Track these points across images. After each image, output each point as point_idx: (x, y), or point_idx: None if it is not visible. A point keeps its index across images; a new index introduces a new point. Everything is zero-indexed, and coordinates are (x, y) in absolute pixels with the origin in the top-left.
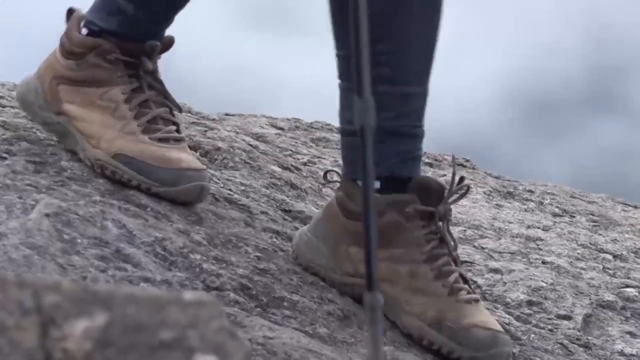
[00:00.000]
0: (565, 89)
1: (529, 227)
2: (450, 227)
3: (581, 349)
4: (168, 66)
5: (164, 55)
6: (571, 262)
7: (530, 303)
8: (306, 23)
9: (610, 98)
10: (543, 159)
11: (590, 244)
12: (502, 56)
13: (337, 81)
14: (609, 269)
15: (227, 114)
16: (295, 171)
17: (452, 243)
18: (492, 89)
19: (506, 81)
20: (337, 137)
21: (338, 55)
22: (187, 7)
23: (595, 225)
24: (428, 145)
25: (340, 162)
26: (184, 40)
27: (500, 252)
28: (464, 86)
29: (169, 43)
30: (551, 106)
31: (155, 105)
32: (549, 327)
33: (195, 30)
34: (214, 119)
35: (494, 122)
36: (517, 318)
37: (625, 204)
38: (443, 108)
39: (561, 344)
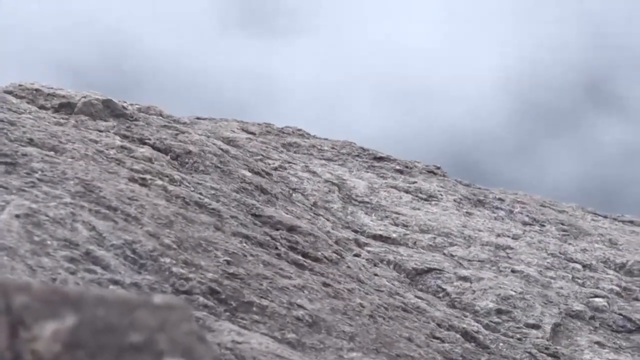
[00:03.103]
0: (563, 84)
1: (498, 235)
2: (420, 234)
3: (550, 358)
4: (146, 69)
5: (138, 57)
6: (541, 271)
7: (499, 311)
8: (295, 25)
9: (607, 94)
10: (542, 153)
11: (560, 253)
12: (500, 53)
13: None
14: (578, 278)
15: (198, 118)
16: (266, 176)
17: None
18: (490, 86)
19: (504, 77)
20: (308, 142)
21: None
22: (175, 10)
23: (565, 235)
24: (413, 151)
25: (312, 167)
26: (165, 45)
27: (469, 260)
28: (462, 83)
29: None
30: (549, 101)
31: None
32: (518, 335)
33: (178, 35)
34: (185, 123)
35: (493, 118)
36: (486, 326)
37: (595, 214)
38: (445, 107)
39: (530, 353)
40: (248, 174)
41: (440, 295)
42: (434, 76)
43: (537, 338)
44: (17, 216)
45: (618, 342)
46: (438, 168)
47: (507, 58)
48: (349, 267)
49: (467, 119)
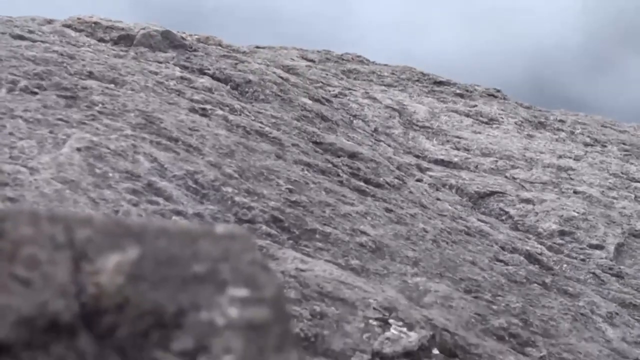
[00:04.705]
0: None
1: (560, 157)
2: (482, 158)
3: (613, 278)
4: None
5: None
6: (603, 191)
7: (562, 233)
8: None
9: None
10: (626, 70)
11: (622, 173)
12: None
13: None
14: None
15: (257, 47)
16: (326, 103)
17: None
18: (570, 4)
19: None
20: (367, 68)
21: None
22: None
23: (626, 155)
24: (494, 70)
25: (372, 94)
26: None
27: (531, 182)
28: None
29: None
30: (631, 18)
31: None
32: (581, 256)
33: None
34: (244, 52)
35: (574, 36)
36: (550, 248)
37: None
38: (524, 25)
39: (593, 273)
40: (308, 101)
41: (503, 218)
42: None
43: (601, 258)
44: (79, 149)
45: None
46: (498, 91)
47: None
48: (411, 192)
49: (547, 37)
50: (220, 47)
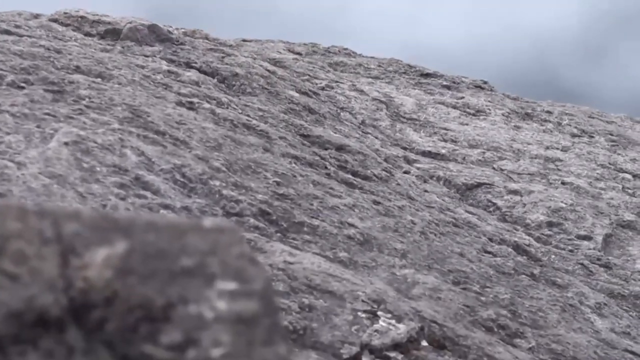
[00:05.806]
0: None
1: (547, 148)
2: (469, 149)
3: (602, 269)
4: None
5: None
6: (590, 182)
7: (550, 224)
8: None
9: None
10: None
11: (610, 163)
12: None
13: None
14: (628, 188)
15: (244, 40)
16: (314, 96)
17: None
18: None
19: None
20: (354, 61)
21: None
22: None
23: (614, 145)
24: (493, 57)
25: (359, 86)
26: None
27: (519, 174)
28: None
29: None
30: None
31: None
32: (570, 247)
33: None
34: (231, 45)
35: (571, 22)
36: (538, 239)
37: None
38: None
39: (582, 264)
40: (295, 94)
41: (491, 209)
42: None
43: (589, 249)
44: (66, 144)
45: None
46: (485, 82)
47: None
48: (398, 184)
49: (543, 26)
50: (206, 41)
